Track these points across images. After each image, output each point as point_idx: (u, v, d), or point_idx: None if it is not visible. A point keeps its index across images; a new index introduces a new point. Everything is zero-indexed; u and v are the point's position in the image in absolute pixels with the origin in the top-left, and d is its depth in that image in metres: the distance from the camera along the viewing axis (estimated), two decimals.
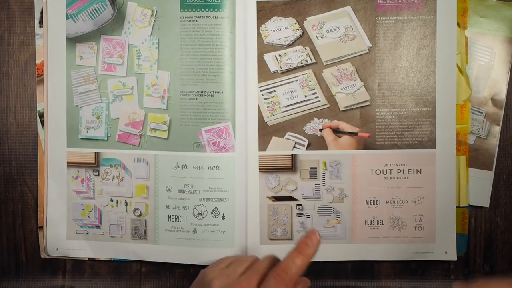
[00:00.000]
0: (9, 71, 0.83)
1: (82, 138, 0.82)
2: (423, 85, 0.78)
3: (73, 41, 0.81)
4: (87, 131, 0.81)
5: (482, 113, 0.82)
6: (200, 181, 0.79)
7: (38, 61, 0.83)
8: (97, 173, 0.82)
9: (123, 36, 0.80)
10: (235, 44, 0.79)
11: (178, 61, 0.79)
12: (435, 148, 0.78)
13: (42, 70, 0.82)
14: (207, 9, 0.78)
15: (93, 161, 0.82)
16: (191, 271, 0.83)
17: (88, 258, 0.83)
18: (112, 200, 0.82)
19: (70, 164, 0.82)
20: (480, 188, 0.82)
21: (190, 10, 0.78)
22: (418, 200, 0.78)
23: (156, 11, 0.79)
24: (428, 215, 0.78)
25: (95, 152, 0.82)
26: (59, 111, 0.82)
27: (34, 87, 0.83)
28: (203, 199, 0.79)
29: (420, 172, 0.78)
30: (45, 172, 0.82)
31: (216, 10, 0.78)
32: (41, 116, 0.82)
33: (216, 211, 0.79)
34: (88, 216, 0.83)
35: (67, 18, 0.80)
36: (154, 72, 0.80)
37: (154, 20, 0.80)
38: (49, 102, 0.82)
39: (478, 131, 0.82)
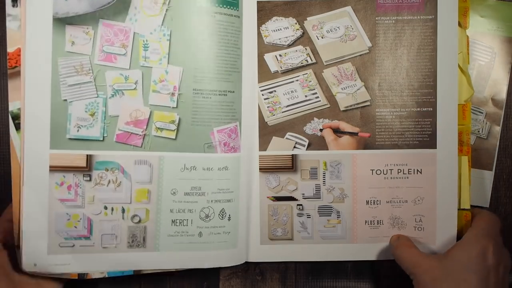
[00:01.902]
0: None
1: (71, 138, 0.74)
2: (424, 85, 0.78)
3: (62, 22, 0.72)
4: (77, 130, 0.74)
5: (482, 113, 0.83)
6: (209, 183, 0.77)
7: (10, 49, 0.71)
8: (88, 178, 0.75)
9: (127, 22, 0.75)
10: (243, 44, 0.78)
11: (193, 57, 0.76)
12: (436, 148, 0.78)
13: (16, 60, 0.71)
14: (225, 6, 0.76)
15: (85, 165, 0.74)
16: (191, 272, 0.82)
17: (78, 274, 0.75)
18: (106, 208, 0.76)
19: (54, 169, 0.73)
20: (480, 188, 0.83)
21: (209, 4, 0.75)
22: (418, 200, 0.78)
23: (170, 0, 0.75)
24: (429, 215, 0.78)
25: (87, 155, 0.74)
26: (41, 106, 0.72)
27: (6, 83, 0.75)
28: (211, 201, 0.77)
29: (421, 172, 0.78)
30: (20, 179, 0.72)
31: (232, 8, 0.77)
32: (16, 117, 0.73)
33: (223, 212, 0.78)
34: (75, 227, 0.75)
35: None
36: (163, 66, 0.75)
37: (167, 9, 0.75)
38: (27, 96, 0.71)
39: (478, 131, 0.83)
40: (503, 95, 0.83)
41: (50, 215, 0.74)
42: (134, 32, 0.75)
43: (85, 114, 0.74)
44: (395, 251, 0.76)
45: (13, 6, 0.71)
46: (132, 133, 0.75)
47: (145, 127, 0.76)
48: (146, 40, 0.75)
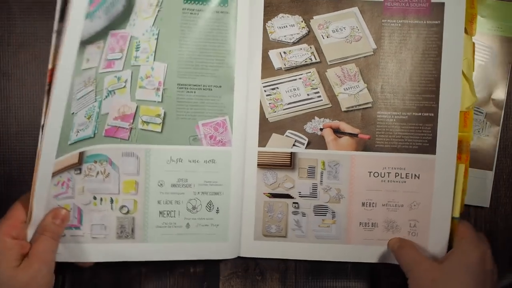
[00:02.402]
0: (9, 71, 0.82)
1: (71, 144, 0.75)
2: (427, 90, 0.77)
3: (84, 43, 0.74)
4: (76, 135, 0.75)
5: (482, 113, 0.84)
6: (196, 175, 0.78)
7: (51, 66, 0.70)
8: (78, 171, 0.76)
9: (127, 28, 0.77)
10: (236, 39, 0.78)
11: (177, 53, 0.77)
12: (435, 154, 0.77)
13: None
14: (210, 3, 0.77)
15: (77, 161, 0.75)
16: (191, 271, 0.83)
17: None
18: (95, 198, 0.77)
19: (55, 173, 0.73)
20: (480, 188, 0.84)
21: (193, 2, 0.77)
22: (414, 205, 0.78)
23: (162, 1, 0.77)
24: (423, 221, 0.78)
25: (80, 152, 0.75)
26: (56, 121, 0.72)
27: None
28: (198, 192, 0.78)
29: (418, 178, 0.78)
30: (32, 187, 0.71)
31: (219, 4, 0.77)
32: None
33: (210, 204, 0.78)
34: None
35: (86, 17, 0.72)
36: (150, 63, 0.77)
37: (158, 11, 0.77)
38: (51, 116, 0.70)
39: (478, 131, 0.83)
40: (502, 95, 0.83)
41: (46, 210, 0.73)
42: (131, 36, 0.77)
43: (84, 119, 0.76)
44: (398, 250, 0.76)
45: (60, 21, 0.70)
46: (119, 127, 0.77)
47: (131, 121, 0.77)
48: (139, 41, 0.77)
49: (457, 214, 0.77)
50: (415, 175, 0.78)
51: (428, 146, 0.78)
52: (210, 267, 0.83)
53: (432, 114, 0.77)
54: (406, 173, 0.78)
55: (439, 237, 0.77)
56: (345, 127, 0.79)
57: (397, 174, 0.78)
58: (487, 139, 0.83)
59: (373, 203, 0.79)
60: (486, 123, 0.83)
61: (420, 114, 0.78)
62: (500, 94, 0.83)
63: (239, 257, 0.80)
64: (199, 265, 0.83)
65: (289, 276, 0.84)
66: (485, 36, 0.83)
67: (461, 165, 0.77)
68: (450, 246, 0.76)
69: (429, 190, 0.78)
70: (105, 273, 0.82)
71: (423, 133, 0.78)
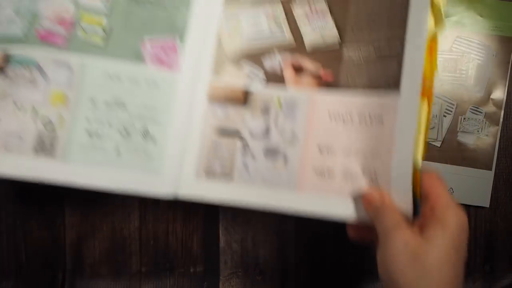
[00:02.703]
0: None
1: None
2: (396, 20, 0.69)
3: None
4: (1, 30, 0.69)
5: (481, 112, 0.84)
6: (134, 97, 0.70)
7: None
8: (2, 74, 0.67)
9: None
10: None
11: None
12: (399, 92, 0.67)
13: None
14: None
15: (1, 62, 0.67)
16: (191, 271, 0.84)
17: None
18: (16, 105, 0.67)
19: None
20: (480, 188, 0.85)
21: None
22: (375, 153, 0.68)
23: None
24: (384, 171, 0.67)
25: (6, 54, 0.67)
26: None
27: None
28: (134, 116, 0.70)
29: (382, 123, 0.68)
30: None
31: None
32: None
33: (146, 132, 0.70)
34: None
35: None
36: None
37: None
38: None
39: (478, 131, 0.83)
40: (502, 94, 0.84)
41: None
42: None
43: (12, 14, 0.70)
44: (381, 209, 0.64)
45: None
46: (55, 32, 0.70)
47: (69, 27, 0.70)
48: None
49: (418, 163, 0.65)
50: (379, 119, 0.68)
51: (394, 85, 0.67)
52: (210, 267, 0.83)
53: (400, 48, 0.68)
54: (370, 117, 0.69)
55: (402, 190, 0.65)
56: (307, 65, 0.72)
57: (360, 118, 0.69)
58: (486, 139, 0.84)
59: (331, 148, 0.70)
60: (485, 122, 0.84)
61: (388, 52, 0.69)
62: (499, 93, 0.84)
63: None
64: (199, 265, 0.84)
65: (289, 276, 0.83)
66: (484, 36, 0.84)
67: (424, 100, 0.65)
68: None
69: (391, 135, 0.66)
70: (105, 272, 0.84)
71: (390, 70, 0.68)
